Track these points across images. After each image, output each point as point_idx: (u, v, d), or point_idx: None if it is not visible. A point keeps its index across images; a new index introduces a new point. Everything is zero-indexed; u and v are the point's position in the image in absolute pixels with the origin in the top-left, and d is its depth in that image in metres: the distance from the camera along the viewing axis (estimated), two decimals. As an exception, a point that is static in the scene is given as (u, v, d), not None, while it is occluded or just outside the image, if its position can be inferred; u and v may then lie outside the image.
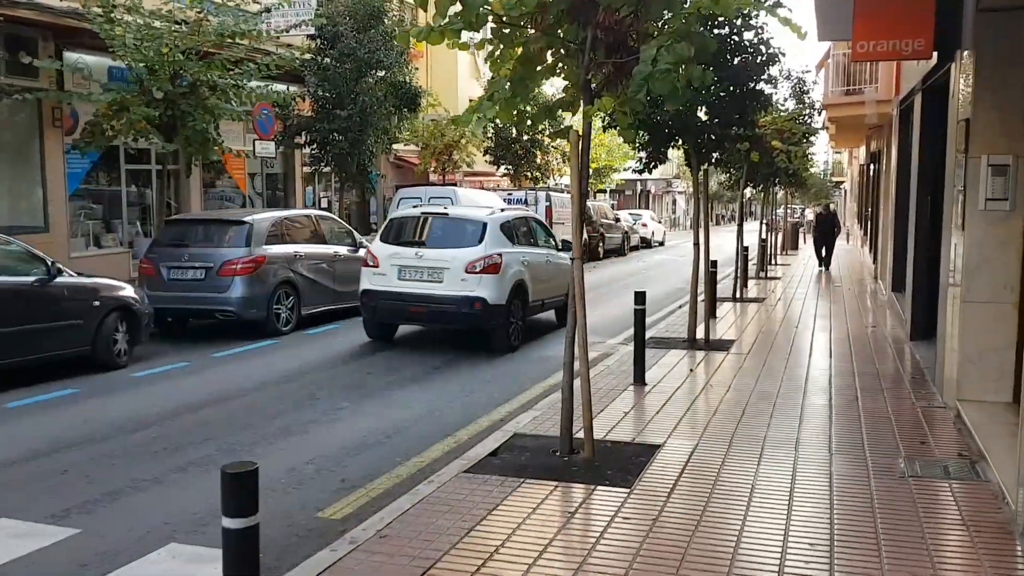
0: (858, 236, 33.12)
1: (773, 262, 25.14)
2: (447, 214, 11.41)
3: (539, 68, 6.11)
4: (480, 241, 10.63)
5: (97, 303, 9.14)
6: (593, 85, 5.92)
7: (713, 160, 11.04)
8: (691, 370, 9.07)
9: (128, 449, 6.52)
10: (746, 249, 18.59)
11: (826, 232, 22.68)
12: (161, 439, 6.76)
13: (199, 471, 5.96)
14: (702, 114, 10.61)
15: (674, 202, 72.50)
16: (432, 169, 23.86)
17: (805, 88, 20.34)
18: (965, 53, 7.11)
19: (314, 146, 17.60)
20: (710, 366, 9.33)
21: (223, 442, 6.67)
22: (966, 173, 6.83)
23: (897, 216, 14.19)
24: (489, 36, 6.06)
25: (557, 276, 11.76)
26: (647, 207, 58.37)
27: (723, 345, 10.60)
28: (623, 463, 5.80)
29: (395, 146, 24.84)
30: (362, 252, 13.24)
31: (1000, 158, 6.67)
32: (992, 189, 6.72)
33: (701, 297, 13.19)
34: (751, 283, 18.86)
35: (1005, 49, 6.52)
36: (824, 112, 19.49)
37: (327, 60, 17.14)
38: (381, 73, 17.42)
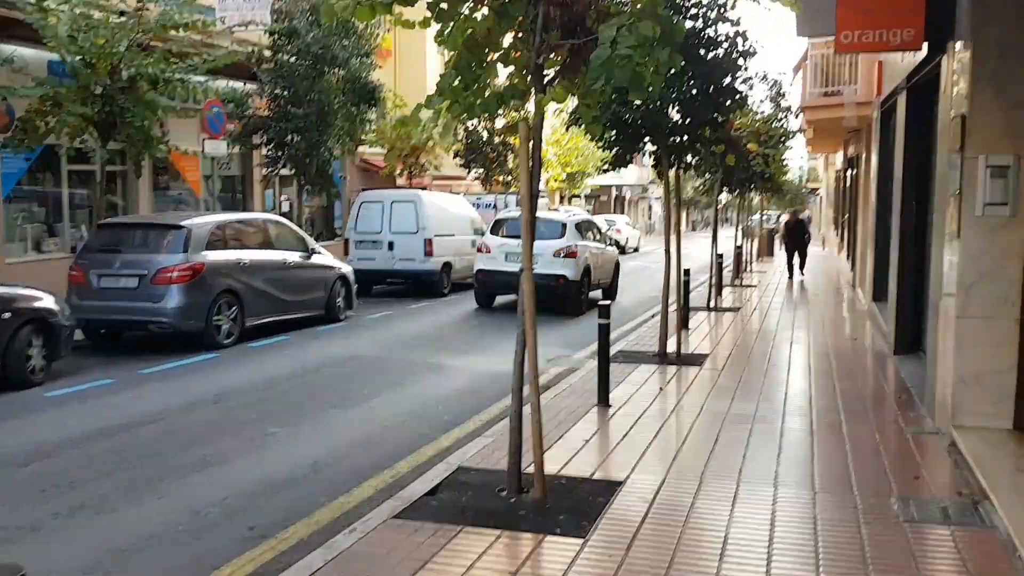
0: (834, 243, 32.67)
1: (749, 269, 24.58)
2: (539, 216, 12.40)
3: (489, 53, 5.35)
4: (562, 235, 14.87)
5: (8, 315, 8.27)
6: (547, 72, 5.18)
7: (685, 163, 10.32)
8: (660, 389, 8.35)
9: (13, 485, 5.68)
10: (720, 256, 17.99)
11: (797, 240, 21.75)
12: (57, 473, 5.92)
13: (87, 515, 5.14)
14: (674, 113, 9.94)
15: (650, 207, 72.03)
16: (399, 172, 23.03)
17: (782, 91, 19.84)
18: (959, 43, 6.45)
19: (270, 146, 16.73)
20: (681, 384, 8.62)
21: (125, 476, 5.84)
22: (962, 175, 6.16)
23: (878, 222, 13.59)
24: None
25: (607, 263, 16.49)
26: (623, 213, 57.86)
27: (696, 360, 9.90)
28: (579, 504, 5.05)
29: (361, 148, 24.05)
30: (316, 259, 12.47)
31: (1000, 158, 6.00)
32: (991, 193, 6.05)
33: (674, 307, 12.53)
34: (726, 291, 18.22)
35: (1009, 37, 5.85)
36: (801, 115, 18.91)
37: (283, 56, 16.30)
38: (343, 72, 16.60)
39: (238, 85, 17.12)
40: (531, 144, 5.15)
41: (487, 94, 5.35)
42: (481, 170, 27.27)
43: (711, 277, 15.24)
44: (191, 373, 9.45)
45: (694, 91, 9.42)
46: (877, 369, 9.44)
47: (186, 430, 7.10)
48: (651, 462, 5.90)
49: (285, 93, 16.48)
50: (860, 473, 5.63)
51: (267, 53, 16.53)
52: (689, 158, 10.32)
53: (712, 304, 15.06)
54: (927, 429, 6.76)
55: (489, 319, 14.29)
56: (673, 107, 9.72)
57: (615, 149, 10.26)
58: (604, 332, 7.63)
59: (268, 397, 8.42)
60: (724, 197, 25.92)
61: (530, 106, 5.40)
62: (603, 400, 7.57)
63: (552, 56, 5.26)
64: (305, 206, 21.36)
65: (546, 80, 5.26)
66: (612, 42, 4.48)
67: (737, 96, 9.68)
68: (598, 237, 16.31)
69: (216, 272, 10.58)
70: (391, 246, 16.85)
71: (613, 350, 10.77)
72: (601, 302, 8.19)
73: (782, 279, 21.62)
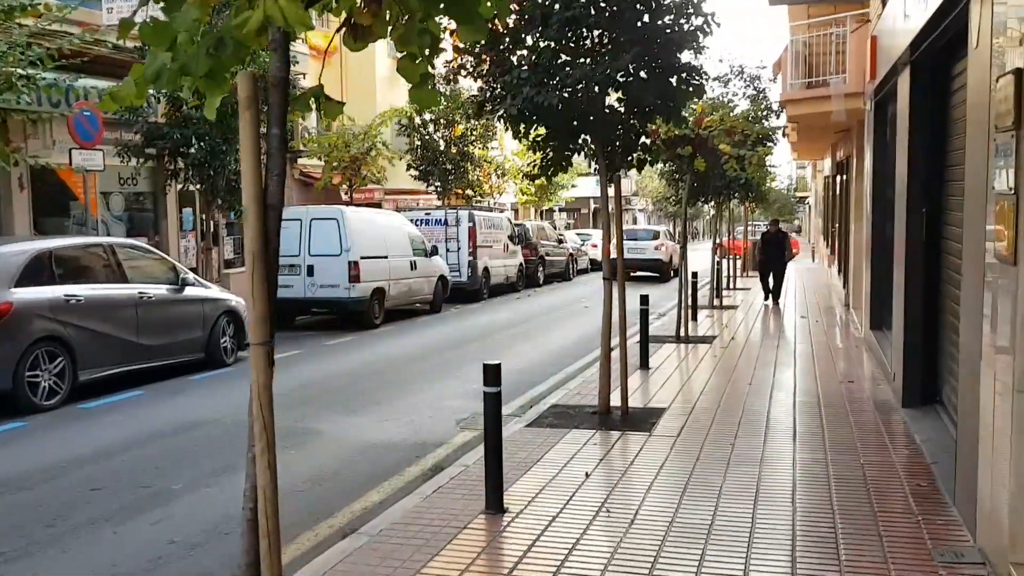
0: (824, 254, 30.49)
1: (731, 286, 22.34)
2: (638, 227, 28.58)
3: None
4: (656, 237, 26.43)
5: None
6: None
7: (627, 162, 8.04)
8: (587, 475, 6.03)
9: None
10: (695, 276, 15.74)
11: (774, 256, 17.77)
12: None
13: None
14: (613, 100, 7.70)
15: (634, 220, 69.91)
16: (340, 185, 20.70)
17: (760, 87, 17.65)
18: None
19: (167, 157, 14.39)
20: (618, 464, 6.32)
21: None
22: (1020, 165, 3.88)
23: (875, 235, 11.35)
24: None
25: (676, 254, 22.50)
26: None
27: (647, 419, 7.60)
28: None
29: (300, 160, 21.80)
30: (192, 291, 10.16)
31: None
32: (1068, 192, 3.79)
33: (634, 338, 10.33)
34: (703, 314, 15.95)
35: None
36: (783, 111, 16.72)
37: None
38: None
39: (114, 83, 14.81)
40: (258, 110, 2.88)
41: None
42: (438, 183, 25.01)
43: (681, 302, 12.95)
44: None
45: (642, 74, 7.22)
46: (882, 431, 7.14)
47: None
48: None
49: (187, 96, 14.14)
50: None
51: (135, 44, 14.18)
52: (635, 156, 8.02)
53: (683, 333, 12.79)
54: (965, 556, 4.45)
55: (418, 357, 11.98)
56: (609, 92, 7.47)
57: (547, 150, 8.05)
58: (492, 405, 5.33)
59: (83, 480, 6.10)
60: (706, 207, 23.69)
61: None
62: (494, 504, 5.26)
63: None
64: (212, 225, 18.95)
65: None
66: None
67: (692, 79, 7.43)
68: (670, 239, 27.73)
69: (30, 314, 8.24)
70: (310, 271, 14.54)
71: (548, 401, 8.55)
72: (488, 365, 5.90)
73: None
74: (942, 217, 7.50)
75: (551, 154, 8.09)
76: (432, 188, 25.36)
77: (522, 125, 7.63)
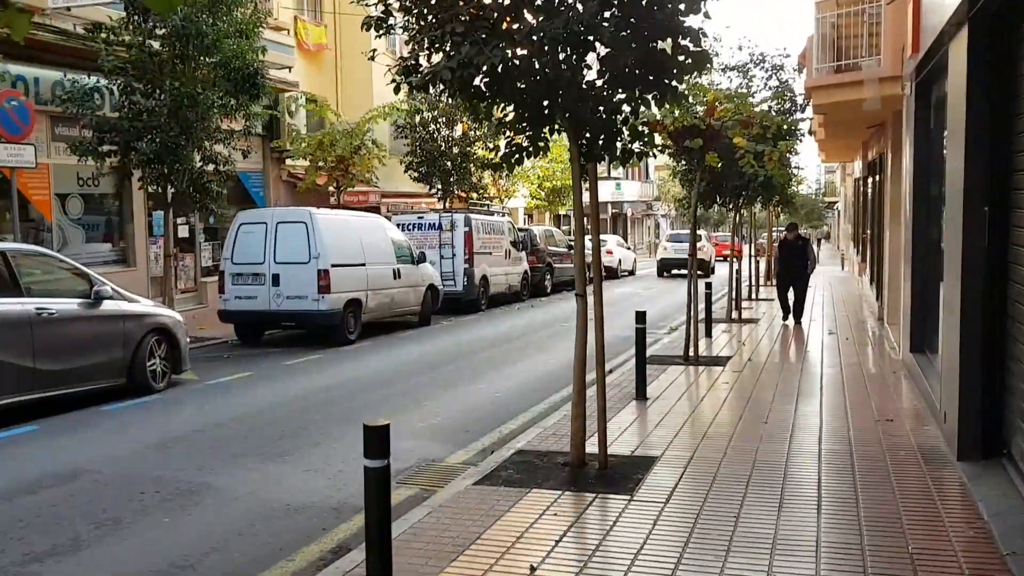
0: (854, 262, 28.61)
1: (753, 296, 20.60)
2: (681, 232, 31.88)
3: None
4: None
5: None
6: None
7: (612, 152, 6.41)
8: (532, 569, 4.42)
9: None
10: (709, 287, 14.10)
11: (794, 267, 15.15)
12: None
13: None
14: (592, 73, 6.12)
15: (657, 226, 68.16)
16: (329, 187, 19.14)
17: (784, 78, 15.99)
18: None
19: (119, 154, 12.93)
20: (581, 545, 4.70)
21: None
22: None
23: (916, 241, 9.65)
24: None
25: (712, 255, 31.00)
26: (625, 231, 54.00)
27: (631, 473, 5.99)
28: None
29: (289, 161, 20.35)
30: (110, 306, 8.70)
31: None
32: None
33: (614, 373, 8.88)
34: (718, 329, 14.29)
35: None
36: (808, 104, 15.03)
37: (135, 37, 12.56)
38: (218, 57, 12.83)
39: (81, 78, 13.47)
40: None
41: None
42: (439, 184, 23.49)
43: (689, 319, 11.28)
44: None
45: (622, 32, 5.64)
46: (933, 498, 5.47)
47: None
48: None
49: (141, 85, 12.75)
50: None
51: (126, 38, 12.80)
52: (616, 146, 6.40)
53: (692, 353, 11.14)
54: None
55: (383, 381, 10.42)
56: (583, 58, 5.89)
57: (515, 130, 6.50)
58: (373, 488, 3.74)
59: None
60: (724, 211, 22.06)
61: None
62: (380, 625, 3.68)
63: None
64: (172, 231, 17.50)
65: None
66: None
67: (688, 43, 5.82)
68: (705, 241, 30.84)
69: None
70: (276, 280, 13.04)
71: (517, 443, 6.95)
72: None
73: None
74: (1009, 217, 5.84)
75: (515, 138, 6.56)
76: (434, 191, 23.85)
77: (485, 101, 6.14)
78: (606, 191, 51.49)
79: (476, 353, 12.74)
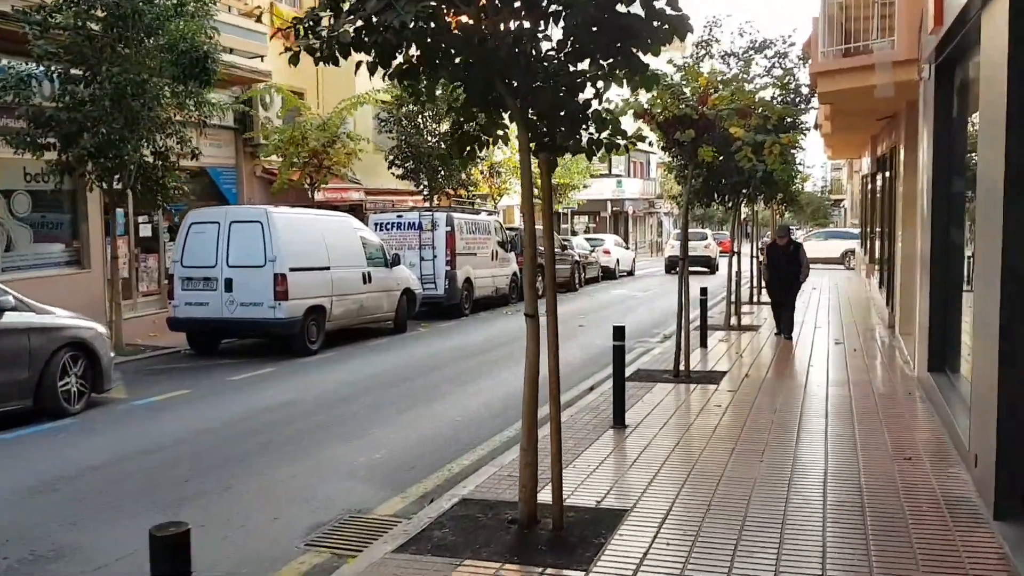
0: (862, 262, 27.40)
1: (755, 299, 19.42)
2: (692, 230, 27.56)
3: None
4: (705, 239, 33.64)
5: None
6: None
7: (574, 141, 5.25)
8: None
9: None
10: (704, 292, 12.96)
11: (784, 274, 13.05)
12: None
13: None
14: (553, 39, 4.98)
15: (660, 224, 66.89)
16: (298, 181, 17.93)
17: (788, 66, 14.82)
18: None
19: (56, 147, 11.81)
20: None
21: None
22: None
23: (935, 242, 8.47)
24: None
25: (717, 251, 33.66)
26: (626, 230, 52.78)
27: (592, 535, 4.85)
28: None
29: (267, 157, 19.20)
30: (12, 318, 7.56)
31: None
32: None
33: (600, 388, 7.89)
34: (715, 338, 13.15)
35: None
36: (814, 96, 13.85)
37: (68, 19, 11.44)
38: (163, 40, 11.71)
39: (17, 63, 12.34)
40: None
41: None
42: (426, 182, 22.31)
43: (680, 329, 10.13)
44: None
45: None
46: (967, 570, 4.32)
47: None
48: None
49: (80, 72, 11.63)
50: None
51: (60, 19, 11.67)
52: (581, 135, 5.25)
53: (682, 368, 9.99)
54: None
55: (334, 401, 9.30)
56: (534, 22, 4.75)
57: (460, 117, 5.41)
58: None
59: None
60: (719, 209, 20.99)
61: None
62: None
63: None
64: (133, 232, 16.40)
65: None
66: None
67: (662, 6, 4.67)
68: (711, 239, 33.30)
69: None
70: (228, 285, 11.91)
71: (464, 489, 5.82)
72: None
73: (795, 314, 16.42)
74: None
75: (463, 122, 5.45)
76: (422, 188, 22.67)
77: (414, 79, 5.03)
78: (607, 189, 50.38)
79: (447, 365, 11.61)
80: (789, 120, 13.01)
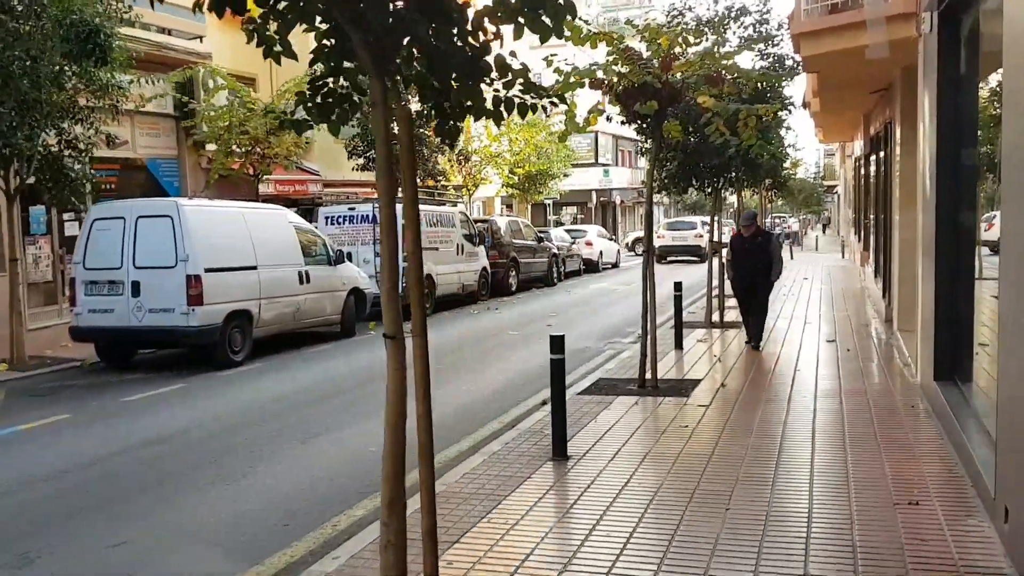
0: (856, 249, 26.06)
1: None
2: (681, 219, 36.34)
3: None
4: (695, 228, 32.51)
5: None
6: None
7: (472, 99, 3.82)
8: None
9: None
10: (679, 287, 11.61)
11: (753, 270, 10.68)
12: None
13: None
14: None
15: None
16: (239, 171, 16.41)
17: (769, 33, 13.38)
18: None
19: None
20: None
21: None
22: None
23: (940, 229, 7.08)
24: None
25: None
26: (614, 220, 51.37)
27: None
28: None
29: (211, 147, 17.71)
30: None
31: None
32: None
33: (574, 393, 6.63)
34: (693, 337, 11.79)
35: None
36: (800, 69, 12.43)
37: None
38: (53, 11, 10.23)
39: None
40: None
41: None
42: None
43: (645, 332, 8.73)
44: None
45: None
46: None
47: None
48: None
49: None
50: None
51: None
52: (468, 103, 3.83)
53: (648, 376, 8.61)
54: None
55: (238, 425, 7.90)
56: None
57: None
58: None
59: None
60: (695, 195, 19.58)
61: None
62: None
63: None
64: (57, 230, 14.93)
65: None
66: None
67: None
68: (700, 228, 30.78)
69: None
70: (136, 289, 10.48)
71: (348, 549, 4.41)
72: None
73: (783, 307, 15.06)
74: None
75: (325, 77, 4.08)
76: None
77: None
78: (594, 179, 48.94)
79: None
80: (768, 87, 11.61)
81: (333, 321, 13.24)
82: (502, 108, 4.04)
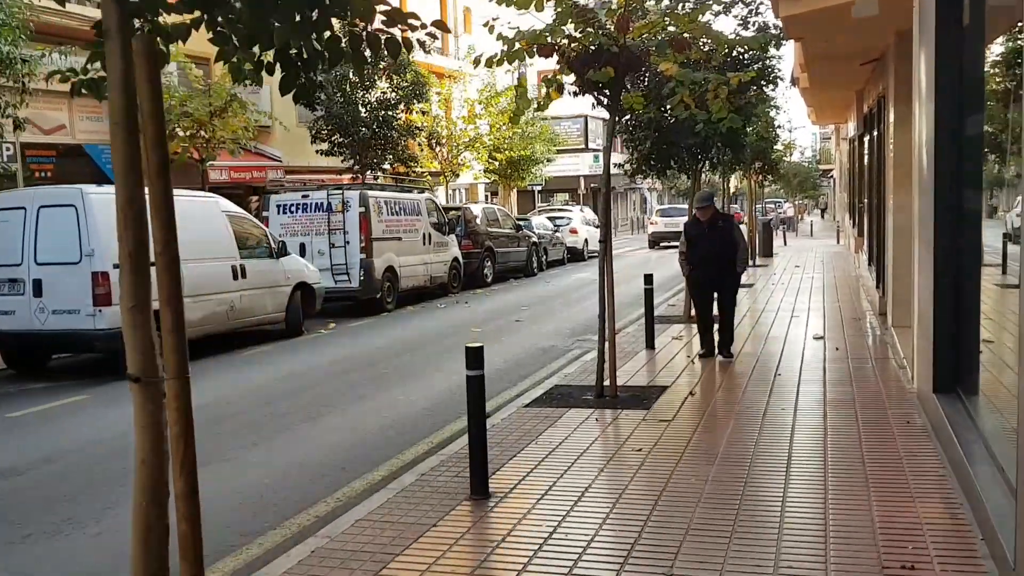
0: (851, 235, 24.96)
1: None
2: (672, 206, 33.36)
3: None
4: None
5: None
6: None
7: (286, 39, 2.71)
8: None
9: None
10: (649, 280, 10.53)
11: (716, 263, 8.96)
12: None
13: None
14: None
15: (644, 200, 64.38)
16: (182, 156, 15.24)
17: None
18: None
19: None
20: None
21: None
22: None
23: (940, 211, 5.97)
24: None
25: None
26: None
27: None
28: None
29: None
30: None
31: None
32: None
33: (500, 412, 5.58)
34: (669, 333, 10.71)
35: None
36: (783, 36, 11.28)
37: None
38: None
39: None
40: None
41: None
42: (358, 156, 19.79)
43: (603, 337, 7.64)
44: None
45: None
46: None
47: None
48: None
49: None
50: None
51: None
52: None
53: (607, 383, 7.51)
54: None
55: (116, 449, 6.79)
56: None
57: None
58: None
59: None
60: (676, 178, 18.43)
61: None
62: None
63: None
64: None
65: None
66: None
67: None
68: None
69: None
70: (37, 288, 9.36)
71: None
72: None
73: (771, 299, 13.98)
74: None
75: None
76: (354, 164, 20.11)
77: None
78: (584, 164, 47.80)
79: (321, 384, 9.11)
80: (747, 55, 10.46)
81: (276, 319, 12.12)
82: (364, 48, 2.98)
